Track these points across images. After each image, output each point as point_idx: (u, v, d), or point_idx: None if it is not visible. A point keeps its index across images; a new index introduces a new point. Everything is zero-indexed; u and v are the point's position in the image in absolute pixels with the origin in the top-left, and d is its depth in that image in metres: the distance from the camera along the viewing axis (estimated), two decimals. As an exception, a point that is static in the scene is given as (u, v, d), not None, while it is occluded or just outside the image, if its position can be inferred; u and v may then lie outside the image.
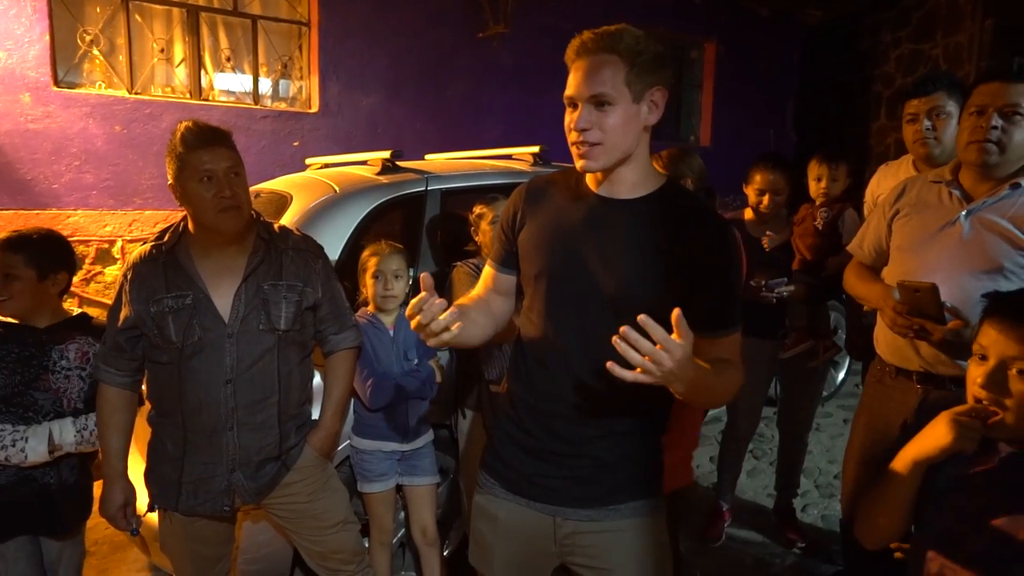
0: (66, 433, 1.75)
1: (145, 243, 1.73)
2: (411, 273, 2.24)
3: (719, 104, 6.98)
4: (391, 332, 2.17)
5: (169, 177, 1.63)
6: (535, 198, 1.39)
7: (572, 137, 1.25)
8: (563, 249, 1.31)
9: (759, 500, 3.32)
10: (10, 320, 1.79)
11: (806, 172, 2.94)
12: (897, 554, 1.33)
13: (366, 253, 2.17)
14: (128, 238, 4.27)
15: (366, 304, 2.21)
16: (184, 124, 1.62)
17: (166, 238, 1.70)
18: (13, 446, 1.70)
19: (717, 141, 6.91)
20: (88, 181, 4.12)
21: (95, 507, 1.84)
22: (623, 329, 0.99)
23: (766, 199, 2.66)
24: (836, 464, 3.67)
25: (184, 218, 1.70)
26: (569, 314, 1.30)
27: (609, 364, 1.03)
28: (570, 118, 1.26)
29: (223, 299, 1.66)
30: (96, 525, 2.03)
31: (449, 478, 2.49)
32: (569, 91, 1.25)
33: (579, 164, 1.27)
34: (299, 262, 1.76)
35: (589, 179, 1.35)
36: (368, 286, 2.16)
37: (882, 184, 2.48)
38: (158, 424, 1.75)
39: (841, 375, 4.76)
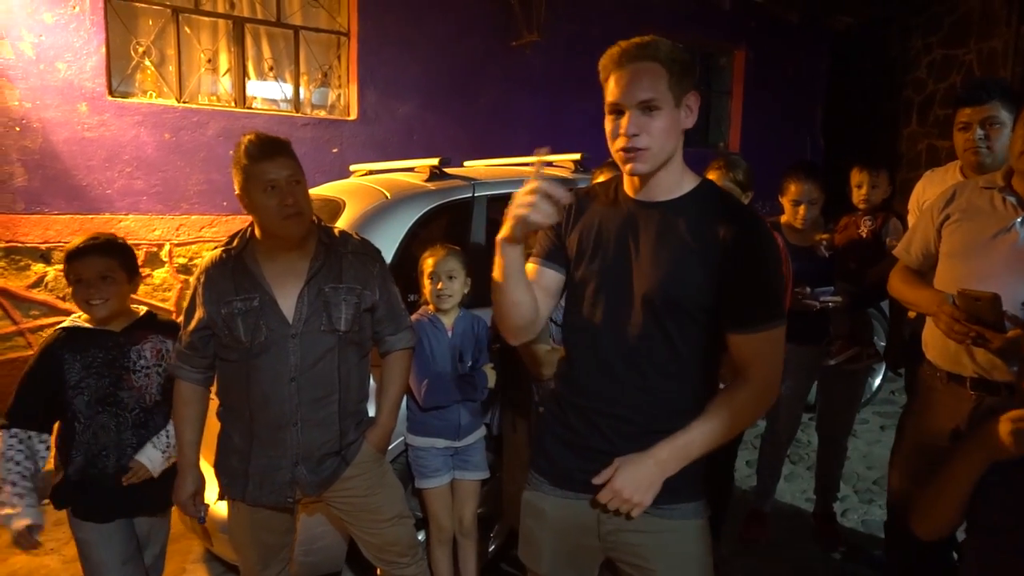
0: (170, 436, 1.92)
1: (216, 248, 1.82)
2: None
3: (748, 111, 6.98)
4: (449, 333, 2.25)
5: (236, 188, 1.71)
6: (582, 205, 1.43)
7: (620, 143, 1.27)
8: (602, 254, 1.36)
9: (798, 504, 3.32)
10: (86, 326, 1.86)
11: (840, 179, 2.95)
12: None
13: (424, 255, 2.26)
14: (175, 242, 4.41)
15: (426, 304, 2.29)
16: (247, 137, 1.69)
17: (235, 243, 1.79)
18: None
19: (746, 147, 6.90)
20: (138, 187, 4.26)
21: None
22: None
23: (802, 210, 2.62)
24: (874, 470, 3.66)
25: (251, 224, 1.79)
26: (608, 315, 1.34)
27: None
28: (615, 124, 1.28)
29: (287, 301, 1.74)
30: (161, 514, 2.13)
31: (496, 476, 2.55)
32: (613, 98, 1.27)
33: (628, 168, 1.30)
34: (358, 265, 1.84)
35: (626, 185, 1.39)
36: (424, 286, 2.25)
37: (928, 191, 2.47)
38: (226, 419, 1.84)
39: (877, 382, 4.72)
